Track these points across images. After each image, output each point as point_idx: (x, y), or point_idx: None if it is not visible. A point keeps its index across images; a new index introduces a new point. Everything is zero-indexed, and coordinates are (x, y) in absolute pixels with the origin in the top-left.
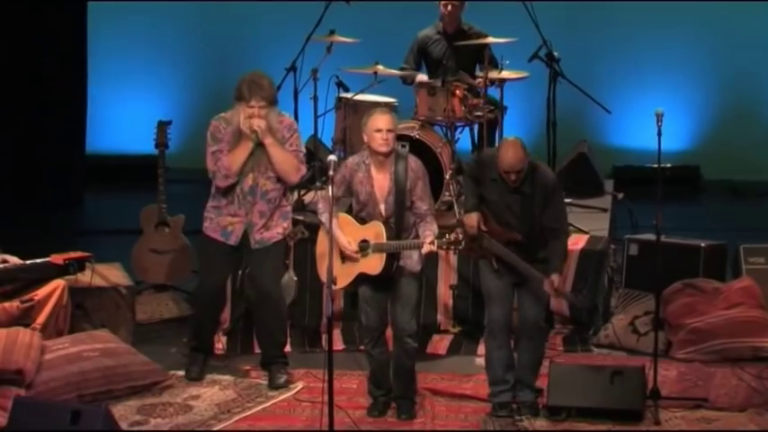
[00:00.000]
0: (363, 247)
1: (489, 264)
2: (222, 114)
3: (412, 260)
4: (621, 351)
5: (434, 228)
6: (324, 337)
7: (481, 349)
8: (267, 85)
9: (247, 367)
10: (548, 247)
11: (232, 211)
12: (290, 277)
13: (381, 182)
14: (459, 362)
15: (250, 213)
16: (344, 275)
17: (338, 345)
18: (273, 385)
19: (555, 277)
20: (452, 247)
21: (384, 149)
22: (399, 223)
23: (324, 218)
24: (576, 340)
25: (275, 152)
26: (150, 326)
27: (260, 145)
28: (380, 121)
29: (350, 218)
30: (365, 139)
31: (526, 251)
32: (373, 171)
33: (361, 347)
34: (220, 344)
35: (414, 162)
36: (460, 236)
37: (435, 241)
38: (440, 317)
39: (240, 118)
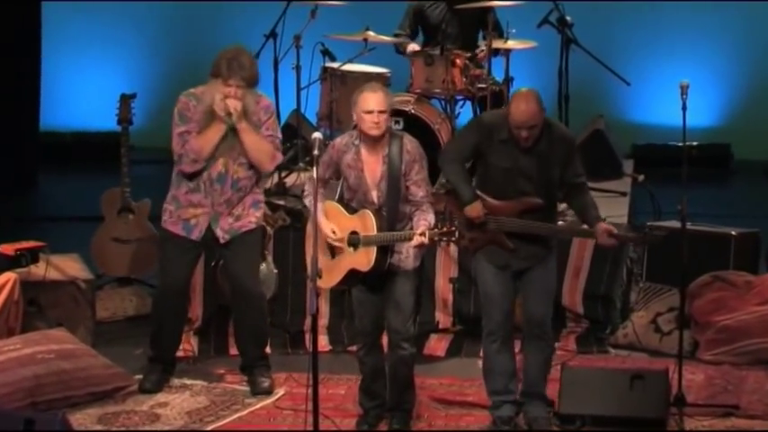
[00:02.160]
0: (353, 239)
1: (503, 245)
2: (192, 90)
3: (408, 255)
4: (642, 352)
5: (430, 217)
6: (308, 336)
7: None
8: (250, 64)
9: (221, 371)
10: (576, 203)
11: (196, 200)
12: (269, 269)
13: (373, 165)
14: (461, 364)
15: (216, 204)
16: (333, 273)
17: (324, 345)
18: (256, 391)
19: (603, 225)
20: (446, 239)
21: (375, 133)
22: (393, 212)
23: (308, 201)
24: (591, 340)
25: (249, 138)
26: (112, 324)
27: (232, 128)
28: (371, 100)
29: (339, 206)
30: (354, 118)
31: (542, 215)
32: (364, 153)
33: (350, 348)
34: (190, 344)
35: (410, 143)
36: (454, 227)
37: (427, 232)
38: (438, 314)
39: (215, 97)
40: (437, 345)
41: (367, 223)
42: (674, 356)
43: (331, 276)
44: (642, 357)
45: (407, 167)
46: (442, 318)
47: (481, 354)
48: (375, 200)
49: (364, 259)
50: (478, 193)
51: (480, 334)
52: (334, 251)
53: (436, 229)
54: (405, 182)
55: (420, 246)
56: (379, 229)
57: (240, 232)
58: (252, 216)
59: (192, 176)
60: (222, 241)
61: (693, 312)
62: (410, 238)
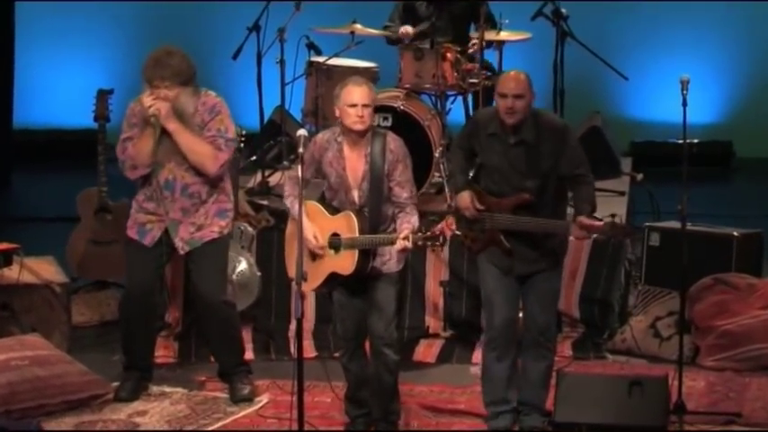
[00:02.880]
0: (334, 242)
1: (500, 244)
2: (142, 95)
3: (391, 258)
4: (641, 358)
5: (414, 220)
6: (292, 342)
7: (477, 356)
8: (175, 62)
9: (202, 378)
10: (574, 194)
11: (151, 207)
12: (252, 272)
13: (355, 164)
14: (452, 371)
15: (170, 211)
16: (314, 276)
17: (309, 351)
18: (236, 398)
19: (582, 218)
20: (430, 244)
21: (359, 127)
22: (375, 214)
23: (289, 202)
24: (588, 345)
25: (181, 139)
26: (89, 330)
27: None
28: (355, 93)
29: (320, 207)
30: (337, 113)
31: (535, 210)
32: (346, 150)
33: (336, 354)
34: (170, 350)
35: (394, 141)
36: (439, 232)
37: (411, 236)
38: (428, 319)
39: (143, 102)
40: (427, 350)
41: (349, 225)
42: (673, 362)
43: (311, 279)
44: (641, 363)
45: (391, 167)
46: (432, 322)
47: (473, 359)
48: (356, 200)
49: (346, 262)
50: (476, 187)
51: (472, 339)
52: (314, 253)
53: (420, 233)
54: (388, 182)
55: (404, 250)
56: (362, 231)
57: (201, 242)
58: (215, 225)
59: (146, 182)
60: (182, 252)
61: (694, 316)
62: (393, 242)
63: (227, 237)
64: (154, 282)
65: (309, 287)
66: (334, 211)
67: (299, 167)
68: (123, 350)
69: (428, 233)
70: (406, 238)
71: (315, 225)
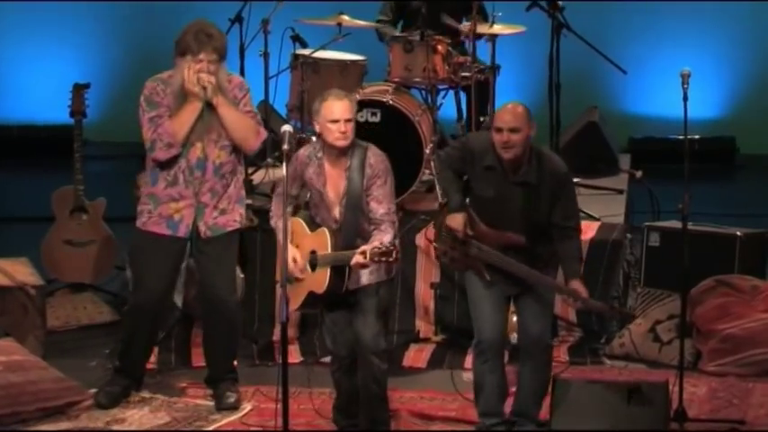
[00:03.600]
0: (312, 259)
1: (480, 275)
2: (159, 75)
3: (379, 267)
4: (640, 363)
5: (387, 239)
6: (277, 347)
7: (469, 361)
8: (218, 35)
9: (184, 384)
10: (560, 249)
11: (176, 193)
12: (235, 274)
13: (336, 180)
14: (443, 377)
15: (199, 193)
16: (295, 295)
17: (294, 357)
18: (221, 406)
19: (577, 284)
20: (384, 260)
21: (342, 143)
22: (352, 231)
23: (273, 223)
24: (585, 350)
25: (229, 113)
26: (65, 334)
27: (209, 107)
28: (336, 108)
29: (303, 224)
30: (317, 129)
31: (526, 255)
32: (327, 167)
33: (323, 360)
34: (151, 358)
35: (374, 156)
36: (393, 247)
37: (368, 251)
38: (419, 322)
39: (185, 75)
40: (417, 355)
41: (323, 241)
42: (674, 368)
43: (294, 299)
44: (640, 369)
45: (369, 182)
46: (423, 326)
47: (465, 365)
48: (338, 217)
49: (320, 280)
50: (471, 212)
51: (464, 344)
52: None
53: (375, 249)
54: (366, 197)
55: (359, 266)
56: (334, 247)
57: (223, 231)
58: (236, 213)
59: (167, 166)
60: (204, 237)
61: (695, 320)
62: (350, 259)
63: (239, 229)
64: (171, 287)
65: (291, 307)
66: (314, 227)
67: (285, 164)
68: (120, 354)
69: (383, 248)
70: (362, 253)
71: (297, 242)
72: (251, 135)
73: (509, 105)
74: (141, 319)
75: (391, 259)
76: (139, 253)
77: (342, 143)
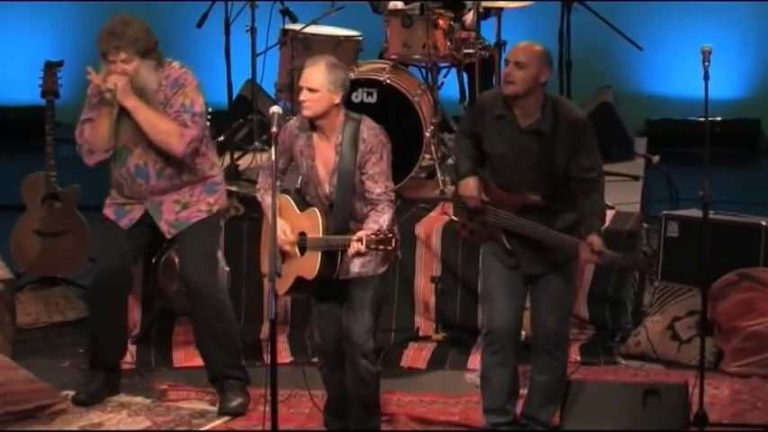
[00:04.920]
0: (301, 242)
1: (501, 244)
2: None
3: (372, 258)
4: (657, 363)
5: (384, 219)
6: (265, 346)
7: (473, 361)
8: (132, 31)
9: (164, 386)
10: (580, 204)
11: (127, 192)
12: (219, 267)
13: (326, 154)
14: (444, 378)
15: (149, 194)
16: (282, 279)
17: (284, 357)
18: (223, 410)
19: (594, 237)
20: (382, 248)
21: (305, 113)
22: (343, 211)
23: (260, 196)
24: (598, 350)
25: (141, 117)
26: (35, 332)
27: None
28: (304, 73)
29: (291, 201)
30: None
31: (547, 216)
32: (316, 139)
33: (315, 360)
34: (128, 355)
35: (367, 129)
36: (392, 234)
37: (365, 238)
38: (418, 319)
39: (99, 77)
40: (417, 355)
41: (314, 223)
42: (694, 368)
43: (280, 283)
44: (657, 369)
45: (363, 159)
46: (423, 323)
47: (469, 365)
48: (328, 194)
49: (309, 266)
50: (483, 176)
51: (467, 342)
52: (284, 254)
53: (374, 235)
54: (360, 175)
55: (356, 254)
56: (326, 230)
57: (189, 224)
58: (203, 202)
59: (115, 167)
60: (168, 236)
61: (717, 316)
62: (346, 245)
63: (217, 216)
64: (123, 270)
65: (279, 292)
66: (303, 206)
67: (274, 147)
68: (90, 345)
69: (381, 235)
70: (359, 240)
71: (285, 222)
72: (171, 139)
73: (525, 42)
74: (98, 299)
75: (390, 247)
76: (102, 232)
77: (304, 113)
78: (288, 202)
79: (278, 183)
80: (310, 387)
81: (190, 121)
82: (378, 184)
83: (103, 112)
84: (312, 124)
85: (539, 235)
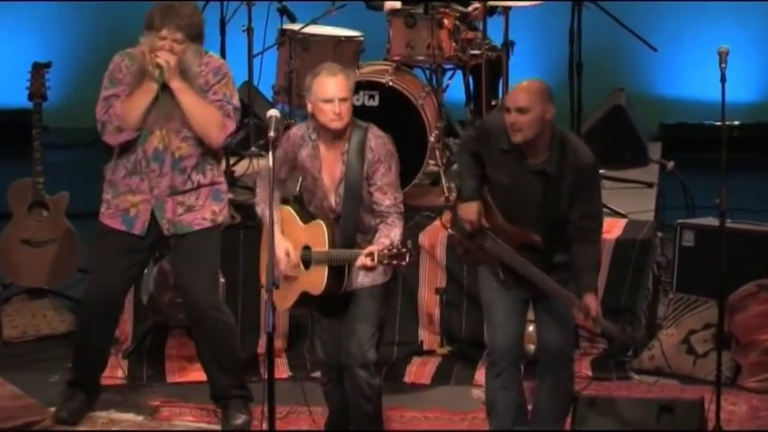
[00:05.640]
0: (305, 256)
1: (493, 272)
2: (129, 50)
3: (373, 272)
4: (672, 378)
5: (395, 233)
6: (262, 360)
7: (479, 376)
8: (188, 12)
9: (157, 402)
10: (576, 255)
11: (133, 184)
12: (217, 279)
13: (332, 164)
14: (450, 394)
15: (156, 187)
16: (286, 294)
17: (282, 371)
18: (227, 427)
19: (590, 299)
20: (395, 263)
21: (337, 126)
22: (351, 223)
23: (260, 210)
24: (610, 364)
25: (187, 99)
26: (22, 345)
27: (168, 90)
28: (330, 86)
29: (293, 212)
30: (309, 108)
31: (543, 256)
32: (322, 149)
33: (314, 375)
34: (119, 370)
35: (375, 138)
36: (406, 249)
37: (376, 253)
38: (423, 333)
39: (144, 51)
40: (421, 370)
41: (319, 236)
42: (710, 383)
43: (284, 298)
44: (672, 384)
45: (370, 169)
46: (427, 337)
47: (475, 380)
48: (334, 206)
49: (315, 280)
50: (487, 199)
51: (473, 357)
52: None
53: (386, 251)
54: (368, 186)
55: (365, 268)
56: (332, 243)
57: (190, 230)
58: (207, 210)
59: (127, 152)
60: (166, 233)
61: (734, 329)
62: (354, 259)
63: (219, 227)
64: (123, 286)
65: (281, 307)
66: (307, 218)
67: (272, 153)
68: (73, 362)
69: (394, 250)
70: (369, 255)
71: (288, 236)
72: (212, 127)
73: (522, 83)
74: (91, 316)
75: (404, 263)
76: (96, 244)
77: (336, 125)
78: (290, 213)
79: (277, 193)
80: (310, 403)
81: (232, 112)
82: (387, 195)
83: (144, 87)
84: (322, 134)
85: (534, 279)
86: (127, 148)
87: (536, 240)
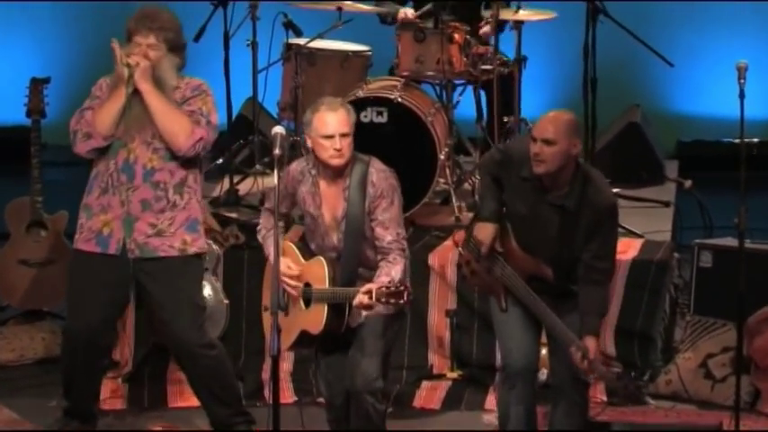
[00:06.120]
0: (306, 293)
1: (497, 299)
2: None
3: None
4: (689, 403)
5: (396, 271)
6: (267, 384)
7: (490, 402)
8: (164, 18)
9: (157, 427)
10: (582, 296)
11: (105, 202)
12: (217, 299)
13: (333, 200)
14: (460, 419)
15: (126, 202)
16: (287, 331)
17: (287, 396)
18: None
19: (590, 342)
20: (393, 301)
21: (337, 162)
22: (352, 260)
23: (260, 237)
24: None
25: (154, 102)
26: (19, 369)
27: (143, 102)
28: (330, 121)
29: (295, 250)
30: (309, 143)
31: (553, 294)
32: (322, 185)
33: (320, 400)
34: (118, 394)
35: (377, 173)
36: (404, 287)
37: (374, 291)
38: (432, 356)
39: (118, 53)
40: (431, 394)
41: (318, 273)
42: (729, 408)
43: (284, 336)
44: (689, 410)
45: (372, 204)
46: (437, 360)
47: (486, 405)
48: (336, 243)
49: (315, 319)
50: (506, 224)
51: (484, 381)
52: (288, 302)
53: (384, 288)
54: (369, 222)
55: (363, 307)
56: (332, 281)
57: (155, 255)
58: (178, 238)
59: (102, 171)
60: (130, 255)
61: (753, 353)
62: (351, 297)
63: (192, 258)
64: (107, 319)
65: (281, 346)
66: (309, 255)
67: (277, 172)
68: (63, 391)
69: (392, 288)
70: (368, 292)
71: (288, 258)
72: (179, 131)
73: (551, 113)
74: (73, 351)
75: (402, 301)
76: (72, 275)
77: (337, 162)
78: (292, 249)
79: (280, 224)
80: (313, 429)
81: (204, 122)
82: (388, 231)
83: (114, 94)
84: (322, 170)
85: (539, 313)
86: (101, 167)
87: (547, 274)
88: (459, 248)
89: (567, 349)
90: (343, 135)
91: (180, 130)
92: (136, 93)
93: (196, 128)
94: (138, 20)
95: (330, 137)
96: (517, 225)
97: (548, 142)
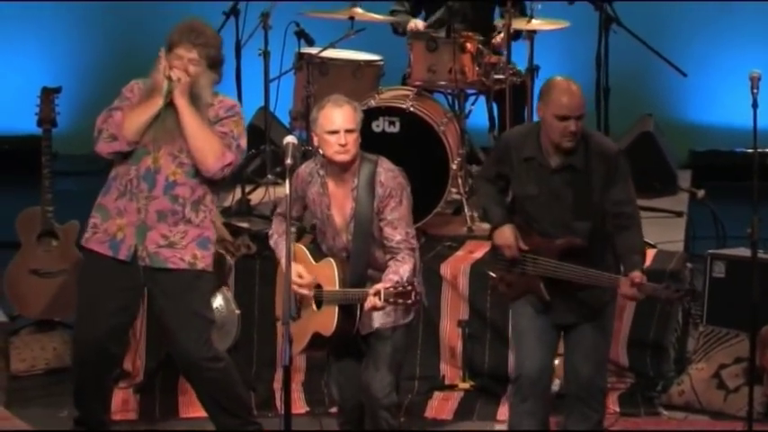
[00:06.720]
0: (317, 295)
1: (540, 294)
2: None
3: (391, 310)
4: (702, 414)
5: (404, 270)
6: (278, 394)
7: (503, 412)
8: (208, 34)
9: None
10: (617, 243)
11: (122, 206)
12: (229, 310)
13: (342, 201)
14: (472, 429)
15: (143, 210)
16: (299, 335)
17: (299, 406)
18: None
19: (636, 273)
20: (401, 302)
21: (343, 158)
22: (362, 261)
23: (272, 242)
24: (638, 399)
25: (190, 120)
26: (31, 379)
27: (176, 115)
28: (335, 117)
29: (306, 252)
30: (315, 141)
31: (586, 258)
32: (330, 185)
33: (332, 410)
34: (130, 405)
35: (385, 172)
36: (411, 287)
37: (383, 292)
38: (444, 366)
39: (158, 65)
40: (442, 405)
41: (329, 275)
42: (742, 419)
43: (296, 340)
44: (702, 420)
45: (381, 204)
46: (449, 371)
47: (498, 416)
48: (346, 243)
49: (327, 321)
50: (520, 223)
51: (497, 392)
52: (301, 301)
53: (392, 288)
54: (378, 221)
55: (372, 308)
56: (342, 282)
57: (164, 266)
58: (188, 252)
59: (122, 174)
60: (141, 262)
61: (767, 363)
62: (362, 299)
63: (202, 273)
64: (117, 326)
65: (294, 349)
66: (319, 257)
67: (289, 181)
68: (75, 401)
69: (399, 288)
70: (377, 293)
71: (300, 265)
72: (210, 153)
73: (564, 84)
74: (82, 358)
75: (410, 301)
76: (83, 280)
77: (341, 158)
78: (303, 252)
79: (292, 229)
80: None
81: (234, 147)
82: (397, 230)
83: (149, 102)
84: (329, 169)
85: (578, 277)
86: (122, 170)
87: (578, 243)
88: (490, 273)
89: (616, 289)
90: (349, 131)
91: (211, 151)
92: (170, 105)
93: (227, 152)
94: (182, 32)
95: (335, 132)
96: (533, 208)
97: (581, 117)
